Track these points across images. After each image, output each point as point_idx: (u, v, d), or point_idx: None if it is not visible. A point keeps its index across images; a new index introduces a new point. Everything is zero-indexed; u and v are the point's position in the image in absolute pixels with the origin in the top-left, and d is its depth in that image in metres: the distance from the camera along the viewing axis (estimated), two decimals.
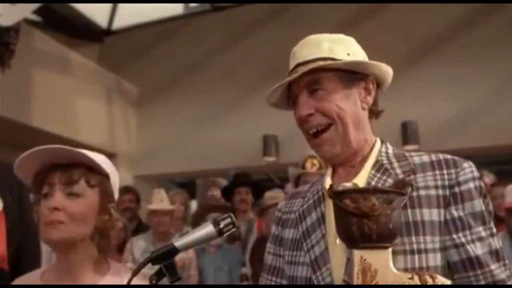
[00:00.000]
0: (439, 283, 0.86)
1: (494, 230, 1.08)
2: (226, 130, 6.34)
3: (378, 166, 1.15)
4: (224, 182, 4.78)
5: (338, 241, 1.08)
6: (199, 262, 3.73)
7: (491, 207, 1.11)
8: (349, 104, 1.15)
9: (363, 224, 0.87)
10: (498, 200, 3.50)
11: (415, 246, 1.04)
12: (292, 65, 1.19)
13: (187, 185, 7.64)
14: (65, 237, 1.21)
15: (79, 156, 1.26)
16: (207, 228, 1.05)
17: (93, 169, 1.28)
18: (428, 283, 0.86)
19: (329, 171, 1.22)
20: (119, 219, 4.03)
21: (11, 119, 4.71)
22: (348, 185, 1.09)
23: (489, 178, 4.13)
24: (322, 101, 1.14)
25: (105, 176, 1.30)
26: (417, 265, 1.02)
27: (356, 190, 0.96)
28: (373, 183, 1.11)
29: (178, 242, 1.03)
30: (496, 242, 1.07)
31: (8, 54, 4.56)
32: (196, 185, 7.02)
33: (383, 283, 0.86)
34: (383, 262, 0.88)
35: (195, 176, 7.20)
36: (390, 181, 1.10)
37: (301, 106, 1.15)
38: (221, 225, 1.05)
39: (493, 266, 1.04)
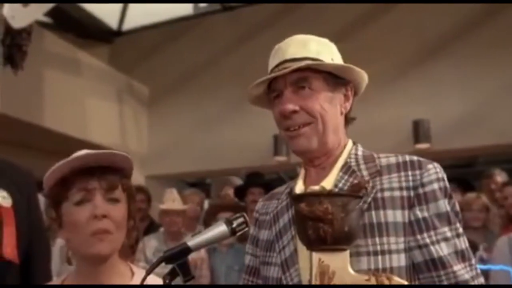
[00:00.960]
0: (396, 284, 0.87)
1: (461, 230, 1.09)
2: (237, 130, 6.35)
3: (346, 168, 1.16)
4: (238, 181, 4.79)
5: None
6: (210, 262, 3.74)
7: (457, 207, 1.11)
8: (331, 106, 1.17)
9: (318, 227, 0.89)
10: (510, 200, 3.44)
11: (378, 247, 1.05)
12: (276, 61, 1.19)
13: (198, 184, 7.66)
14: (113, 249, 1.17)
15: (118, 158, 1.22)
16: (220, 228, 1.06)
17: (123, 172, 1.24)
18: (385, 284, 0.87)
19: (302, 173, 1.23)
20: None
21: (23, 120, 4.75)
22: (316, 188, 1.12)
23: (501, 177, 4.06)
24: (307, 100, 1.14)
25: (129, 178, 1.27)
26: (380, 266, 1.03)
27: (312, 194, 0.98)
28: (340, 185, 1.13)
29: (191, 242, 1.03)
30: (462, 243, 1.07)
31: (21, 55, 4.60)
32: (207, 184, 7.04)
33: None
34: (340, 264, 0.90)
35: (206, 176, 7.22)
36: (365, 178, 1.11)
37: (286, 101, 1.14)
38: (234, 225, 1.06)
39: (456, 267, 1.04)
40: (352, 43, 5.66)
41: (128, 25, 7.65)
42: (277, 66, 1.18)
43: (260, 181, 4.21)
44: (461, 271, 1.04)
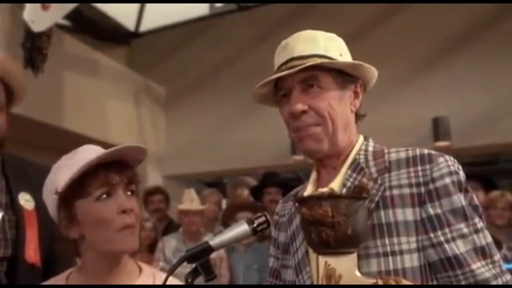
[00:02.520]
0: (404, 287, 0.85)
1: (480, 225, 1.03)
2: (254, 129, 6.35)
3: (355, 166, 1.12)
4: (253, 181, 4.78)
5: None
6: (229, 261, 3.75)
7: (475, 201, 1.05)
8: (341, 105, 1.13)
9: (320, 231, 0.88)
10: None
11: (389, 248, 1.01)
12: (283, 57, 1.16)
13: (215, 184, 7.67)
14: (137, 244, 1.16)
15: (138, 153, 1.24)
16: (242, 227, 1.05)
17: (131, 166, 1.24)
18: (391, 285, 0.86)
19: (314, 175, 1.21)
20: (148, 219, 4.09)
21: (43, 122, 4.82)
22: (325, 190, 1.08)
23: None
24: (316, 99, 1.11)
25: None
26: (392, 267, 0.99)
27: (313, 197, 0.96)
28: (348, 184, 1.09)
29: (213, 241, 1.03)
30: (482, 239, 1.01)
31: (41, 58, 4.68)
32: (224, 184, 7.04)
33: None
34: (347, 268, 0.88)
35: (224, 176, 7.23)
36: (364, 180, 1.06)
37: (295, 101, 1.11)
38: (255, 224, 1.05)
39: (475, 265, 0.99)
40: (370, 41, 5.62)
41: (145, 26, 7.71)
42: (284, 63, 1.15)
43: (277, 180, 4.20)
44: (481, 269, 0.99)
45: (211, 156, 6.61)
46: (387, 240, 1.01)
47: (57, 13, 4.25)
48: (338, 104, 1.13)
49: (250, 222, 1.06)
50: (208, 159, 6.65)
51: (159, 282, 1.19)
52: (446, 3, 5.71)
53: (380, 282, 0.85)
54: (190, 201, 3.90)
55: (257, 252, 3.82)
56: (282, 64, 1.15)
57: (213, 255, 1.06)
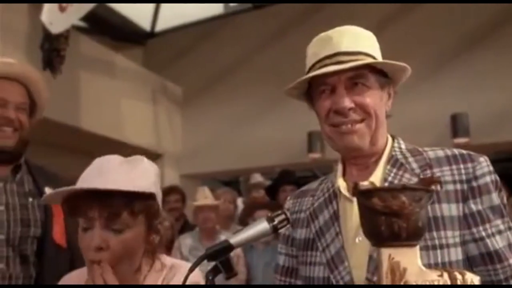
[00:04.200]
0: (468, 280, 0.85)
1: (511, 223, 1.08)
2: (271, 128, 6.34)
3: (393, 162, 1.14)
4: (260, 178, 4.82)
5: (357, 239, 1.09)
6: (248, 259, 3.76)
7: (505, 200, 1.10)
8: (382, 104, 1.15)
9: (392, 222, 0.85)
10: None
11: (436, 242, 1.04)
12: (328, 51, 1.13)
13: (231, 183, 7.69)
14: (112, 278, 1.11)
15: (116, 191, 1.10)
16: (262, 225, 1.06)
17: (135, 194, 1.13)
18: (458, 280, 0.85)
19: (340, 169, 1.20)
20: (165, 218, 4.11)
21: (61, 122, 4.88)
22: (366, 183, 1.06)
23: None
24: (362, 96, 1.11)
25: (150, 197, 1.16)
26: (439, 260, 1.03)
27: (384, 189, 0.95)
28: (389, 178, 1.11)
29: (233, 239, 1.04)
30: None
31: (59, 59, 4.74)
32: (240, 183, 7.05)
33: (413, 282, 0.85)
34: (411, 260, 0.87)
35: (240, 174, 7.23)
36: (407, 175, 1.10)
37: (342, 97, 1.11)
38: (276, 222, 1.05)
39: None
40: (387, 39, 5.56)
41: (160, 26, 7.76)
42: (328, 57, 1.13)
43: (292, 178, 4.20)
44: None
45: (227, 155, 6.62)
46: (435, 234, 1.04)
47: (74, 15, 4.30)
48: (380, 103, 1.14)
49: (270, 220, 1.06)
50: (224, 158, 6.66)
51: (172, 268, 1.22)
52: None
53: (446, 275, 0.85)
54: (204, 197, 3.93)
55: (276, 250, 3.82)
56: (325, 58, 1.13)
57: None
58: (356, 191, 0.93)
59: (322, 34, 1.18)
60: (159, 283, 1.22)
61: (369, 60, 1.11)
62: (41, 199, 1.27)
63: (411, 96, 4.76)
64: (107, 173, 1.12)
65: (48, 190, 1.68)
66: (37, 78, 1.75)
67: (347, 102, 1.10)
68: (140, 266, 1.22)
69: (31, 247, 1.63)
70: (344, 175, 1.19)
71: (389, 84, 1.18)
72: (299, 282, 1.23)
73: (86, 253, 1.12)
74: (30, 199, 1.67)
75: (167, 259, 1.29)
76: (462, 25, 5.73)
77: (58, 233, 1.67)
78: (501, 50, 5.48)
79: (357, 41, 1.14)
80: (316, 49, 1.17)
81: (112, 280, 1.07)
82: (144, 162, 1.21)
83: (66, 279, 1.31)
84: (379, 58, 1.16)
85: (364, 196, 0.90)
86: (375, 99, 1.12)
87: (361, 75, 1.11)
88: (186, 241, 3.84)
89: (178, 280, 1.11)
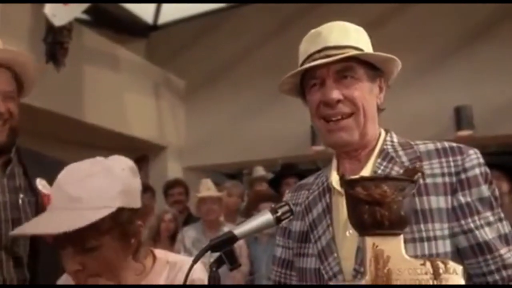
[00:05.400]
0: (451, 269, 0.87)
1: (502, 215, 1.09)
2: (274, 120, 6.34)
3: (384, 155, 1.15)
4: (263, 171, 4.83)
5: (348, 233, 1.11)
6: (252, 251, 3.78)
7: (497, 193, 1.11)
8: (371, 97, 1.16)
9: (375, 211, 0.89)
10: None
11: (424, 234, 1.05)
12: (316, 46, 1.16)
13: (235, 176, 7.70)
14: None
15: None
16: (265, 216, 1.06)
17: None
18: (440, 269, 0.87)
19: (334, 163, 1.23)
20: (168, 211, 4.13)
21: (64, 115, 4.89)
22: (357, 177, 1.09)
23: None
24: (351, 89, 1.13)
25: (119, 208, 1.11)
26: (426, 252, 1.04)
27: (367, 178, 0.98)
28: (379, 171, 1.12)
29: (237, 230, 1.04)
30: (505, 227, 1.07)
31: (62, 52, 4.74)
32: (244, 175, 7.07)
33: (396, 270, 0.88)
34: (395, 249, 0.89)
35: (244, 167, 7.24)
36: (396, 168, 1.11)
37: (330, 89, 1.13)
38: (279, 213, 1.06)
39: (502, 251, 1.05)
40: (390, 30, 5.54)
41: (163, 19, 7.74)
42: (317, 52, 1.15)
43: (295, 171, 4.21)
44: (507, 254, 1.05)
45: (231, 148, 6.63)
46: (422, 226, 1.05)
47: (77, 8, 4.30)
48: (369, 96, 1.16)
49: (273, 211, 1.06)
50: (227, 150, 6.67)
51: (175, 265, 1.22)
52: None
53: (428, 264, 0.87)
54: (207, 189, 3.95)
55: None
56: (315, 53, 1.16)
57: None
58: (342, 181, 0.96)
59: (312, 31, 1.21)
60: (162, 281, 1.22)
61: (356, 52, 1.13)
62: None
63: (415, 89, 4.75)
64: (55, 210, 1.11)
65: (40, 182, 1.64)
66: (25, 60, 1.65)
67: (335, 94, 1.12)
68: (134, 265, 1.21)
69: (24, 248, 1.57)
70: (338, 169, 1.21)
71: (380, 76, 1.19)
72: (294, 274, 1.26)
73: (68, 272, 1.13)
74: (21, 195, 1.61)
75: (170, 256, 1.29)
76: (466, 18, 5.69)
77: None
78: (505, 43, 5.45)
79: (346, 35, 1.16)
80: (306, 45, 1.20)
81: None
82: (110, 171, 1.14)
83: (63, 279, 1.29)
84: (369, 51, 1.17)
85: (349, 185, 0.93)
86: (363, 91, 1.14)
87: (349, 67, 1.13)
88: (189, 233, 3.85)
89: (181, 279, 1.09)
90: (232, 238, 1.02)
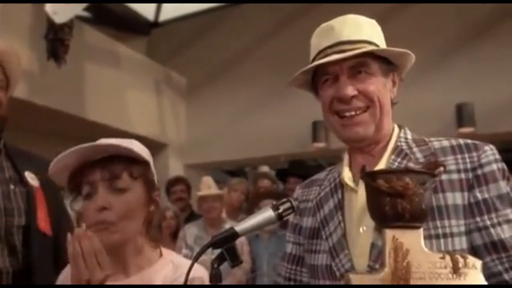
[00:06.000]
0: (470, 263, 0.87)
1: None
2: (275, 117, 6.33)
3: (398, 151, 1.14)
4: (267, 169, 4.84)
5: (361, 229, 1.10)
6: (253, 249, 3.78)
7: None
8: (385, 91, 1.15)
9: (396, 203, 0.89)
10: None
11: (440, 231, 1.03)
12: (329, 41, 1.14)
13: (236, 173, 7.71)
14: (116, 239, 1.17)
15: (118, 149, 1.20)
16: (267, 213, 1.06)
17: (133, 159, 1.22)
18: (460, 263, 0.87)
19: (346, 159, 1.21)
20: (169, 208, 4.13)
21: (65, 112, 4.89)
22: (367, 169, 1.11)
23: None
24: (365, 83, 1.12)
25: (145, 164, 1.25)
26: (442, 249, 1.02)
27: (389, 171, 0.98)
28: (393, 168, 1.11)
29: (239, 227, 1.04)
30: None
31: (63, 49, 4.74)
32: (245, 173, 7.07)
33: (415, 262, 0.88)
34: (414, 242, 0.89)
35: (245, 164, 7.25)
36: (410, 165, 1.09)
37: (344, 85, 1.11)
38: (281, 210, 1.06)
39: None
40: (393, 26, 5.52)
41: (164, 16, 7.72)
42: (330, 47, 1.14)
43: (302, 173, 4.20)
44: None
45: (232, 145, 6.63)
46: (438, 223, 1.04)
47: (78, 5, 4.29)
48: (384, 90, 1.14)
49: (275, 207, 1.06)
50: (228, 147, 6.67)
51: (178, 268, 1.23)
52: None
53: (448, 257, 0.87)
54: (207, 187, 3.94)
55: (282, 240, 3.83)
56: (327, 48, 1.14)
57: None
58: (363, 173, 0.96)
59: (324, 24, 1.18)
60: (160, 278, 1.23)
61: (370, 47, 1.12)
62: (49, 172, 1.25)
63: (416, 86, 4.72)
64: (107, 141, 1.22)
65: (28, 175, 1.65)
66: (9, 52, 1.65)
67: (350, 90, 1.11)
68: (143, 249, 1.25)
69: (18, 237, 1.58)
70: (350, 165, 1.20)
71: (393, 70, 1.18)
72: (304, 270, 1.25)
73: (90, 218, 1.17)
74: (12, 186, 1.62)
75: (174, 256, 1.31)
76: (467, 15, 5.67)
77: (43, 221, 1.63)
78: (506, 40, 5.44)
79: (359, 29, 1.14)
80: (318, 39, 1.18)
81: (97, 246, 1.08)
82: (137, 142, 1.28)
83: (63, 278, 1.30)
84: (383, 45, 1.16)
85: (370, 178, 0.93)
86: (378, 86, 1.13)
87: (363, 63, 1.12)
88: (191, 230, 3.85)
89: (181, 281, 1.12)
90: (233, 235, 1.03)
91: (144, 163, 1.25)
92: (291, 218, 1.29)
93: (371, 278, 0.90)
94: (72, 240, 1.07)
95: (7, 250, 1.55)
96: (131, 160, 1.22)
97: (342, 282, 1.08)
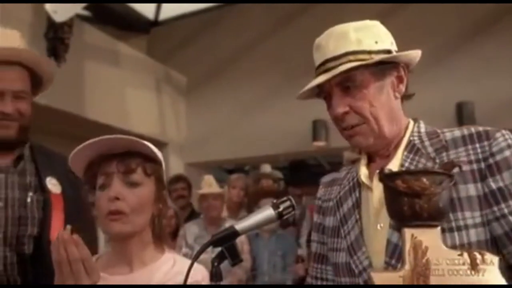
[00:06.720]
0: (488, 260, 0.89)
1: None
2: (275, 116, 6.33)
3: (411, 147, 1.15)
4: (269, 168, 4.83)
5: (379, 226, 1.11)
6: (253, 247, 3.79)
7: None
8: (382, 97, 1.14)
9: (414, 203, 0.91)
10: None
11: (453, 224, 1.03)
12: (319, 59, 1.17)
13: (236, 171, 7.70)
14: (127, 229, 1.22)
15: (137, 144, 1.25)
16: (267, 211, 1.07)
17: (147, 157, 1.28)
18: (477, 259, 0.89)
19: (365, 159, 1.23)
20: (169, 207, 4.13)
21: (65, 111, 4.89)
22: (386, 169, 1.11)
23: None
24: (355, 99, 1.13)
25: (159, 164, 1.30)
26: (458, 242, 1.02)
27: (407, 172, 1.01)
28: (406, 164, 1.12)
29: (239, 225, 1.05)
30: None
31: (63, 48, 4.74)
32: (246, 171, 7.07)
33: (434, 260, 0.89)
34: (433, 240, 0.91)
35: (245, 163, 7.25)
36: (423, 161, 1.10)
37: (335, 105, 1.14)
38: (281, 208, 1.07)
39: None
40: (394, 24, 5.51)
41: (164, 14, 7.71)
42: (319, 66, 1.16)
43: (300, 177, 4.20)
44: None
45: (232, 144, 6.63)
46: (452, 216, 1.03)
47: (78, 4, 4.29)
48: (379, 97, 1.13)
49: (275, 206, 1.07)
50: (229, 146, 6.67)
51: (179, 266, 1.26)
52: None
53: (466, 255, 0.89)
54: (208, 186, 3.94)
55: (281, 239, 3.86)
56: (318, 66, 1.17)
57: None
58: (381, 175, 0.99)
59: (316, 40, 1.20)
60: (160, 274, 1.25)
61: (354, 62, 1.10)
62: (69, 162, 1.28)
63: (416, 85, 4.70)
64: (131, 138, 1.26)
65: (50, 181, 1.65)
66: (29, 56, 1.66)
67: (340, 109, 1.13)
68: (148, 246, 1.28)
69: (28, 247, 1.58)
70: (368, 164, 1.22)
71: (396, 68, 1.16)
72: (329, 268, 1.26)
73: (104, 208, 1.21)
74: (30, 194, 1.62)
75: (177, 256, 1.34)
76: (468, 14, 5.67)
77: (57, 231, 1.57)
78: (507, 38, 5.43)
79: (343, 41, 1.13)
80: (314, 55, 1.20)
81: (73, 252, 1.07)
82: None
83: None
84: (373, 47, 1.13)
85: (388, 179, 0.96)
86: (371, 97, 1.12)
87: (348, 78, 1.12)
88: (191, 229, 3.85)
89: (180, 281, 1.12)
90: (233, 233, 1.03)
91: (157, 162, 1.30)
92: (315, 217, 1.33)
93: (392, 275, 0.92)
94: (57, 245, 1.06)
95: (16, 258, 1.55)
96: (146, 157, 1.27)
97: (361, 279, 1.10)
